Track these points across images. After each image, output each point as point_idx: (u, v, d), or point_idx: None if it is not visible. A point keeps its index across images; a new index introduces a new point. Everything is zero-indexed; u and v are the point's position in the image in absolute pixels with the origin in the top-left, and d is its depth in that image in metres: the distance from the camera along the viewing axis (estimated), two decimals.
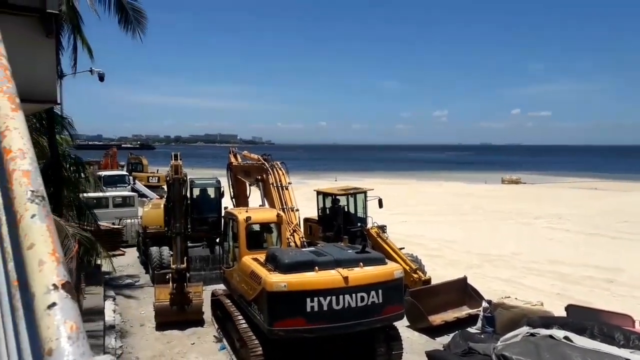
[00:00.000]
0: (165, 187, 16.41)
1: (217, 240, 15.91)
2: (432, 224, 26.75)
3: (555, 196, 43.05)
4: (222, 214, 12.58)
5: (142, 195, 29.16)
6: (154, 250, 15.05)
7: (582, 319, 9.03)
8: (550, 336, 8.16)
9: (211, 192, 16.97)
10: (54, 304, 0.70)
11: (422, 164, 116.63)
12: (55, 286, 0.72)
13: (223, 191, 16.53)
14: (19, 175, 0.96)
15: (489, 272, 16.65)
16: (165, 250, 14.70)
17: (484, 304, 11.17)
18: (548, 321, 9.07)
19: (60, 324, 0.69)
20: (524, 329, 8.89)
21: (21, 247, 0.80)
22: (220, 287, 11.70)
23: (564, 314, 9.90)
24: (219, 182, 16.95)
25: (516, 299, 11.06)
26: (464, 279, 12.72)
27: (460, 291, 12.47)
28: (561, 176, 73.28)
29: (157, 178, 37.37)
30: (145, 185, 34.19)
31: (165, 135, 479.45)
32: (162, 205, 16.15)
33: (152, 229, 16.36)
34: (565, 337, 8.01)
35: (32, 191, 0.92)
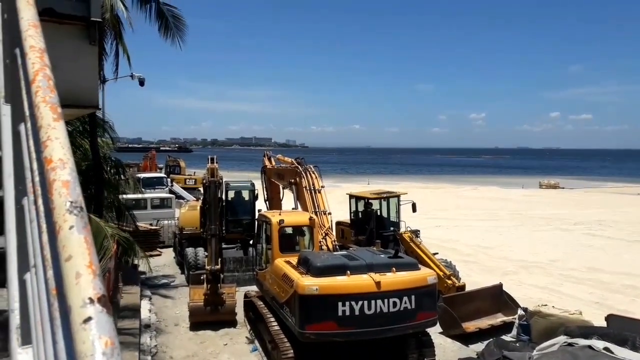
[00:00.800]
0: (201, 189, 16.69)
1: (251, 242, 16.11)
2: (468, 229, 26.29)
3: (595, 202, 41.66)
4: (256, 217, 12.71)
5: (179, 197, 29.51)
6: (189, 251, 15.29)
7: (623, 329, 8.71)
8: (589, 347, 7.92)
9: (245, 194, 17.18)
10: (89, 319, 0.72)
11: (458, 168, 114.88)
12: (91, 300, 0.75)
13: (257, 194, 16.69)
14: (58, 186, 1.00)
15: (525, 279, 16.24)
16: (201, 251, 14.91)
17: (520, 312, 10.94)
18: (587, 331, 8.80)
19: (95, 339, 0.71)
20: (561, 339, 8.65)
21: (60, 258, 0.83)
22: (253, 288, 11.82)
23: (603, 323, 9.57)
24: (253, 185, 17.15)
25: (553, 307, 10.76)
26: (499, 285, 12.45)
27: (495, 298, 12.21)
28: (602, 181, 70.89)
29: (194, 180, 37.86)
30: (182, 187, 34.71)
31: (202, 139, 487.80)
32: (198, 207, 16.46)
33: (188, 230, 16.61)
34: (605, 348, 7.75)
35: (71, 202, 0.95)
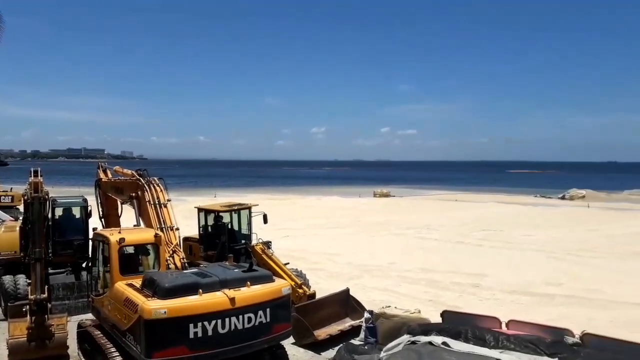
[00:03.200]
0: (21, 207, 14.60)
1: (84, 265, 14.50)
2: (314, 238, 27.14)
3: (422, 208, 46.26)
4: (90, 236, 11.45)
5: None
6: (7, 279, 13.27)
7: (456, 323, 9.58)
8: (430, 343, 8.51)
9: (76, 211, 15.45)
10: None
11: (302, 180, 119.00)
12: None
13: (90, 210, 15.14)
14: None
15: (368, 283, 17.17)
16: (21, 278, 13.06)
17: (366, 315, 11.37)
18: (427, 328, 9.48)
19: None
20: (405, 338, 9.19)
21: None
22: (88, 316, 10.57)
23: (439, 319, 10.44)
24: (85, 200, 15.49)
25: (396, 307, 11.42)
26: (346, 290, 12.87)
27: (343, 303, 12.60)
28: (426, 189, 79.55)
29: (10, 197, 33.41)
30: None
31: (20, 150, 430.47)
32: (18, 228, 14.49)
33: (4, 255, 14.52)
34: (444, 343, 8.40)
35: None
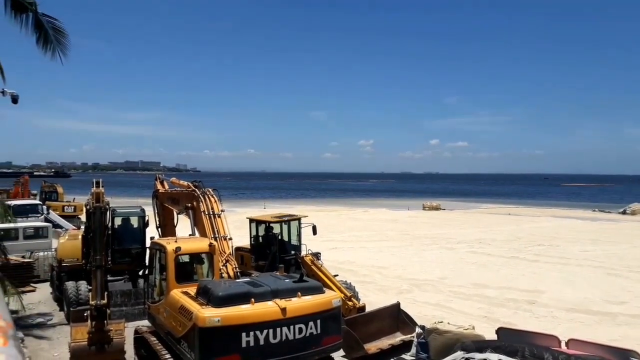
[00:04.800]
0: (83, 216, 15.34)
1: (140, 273, 15.01)
2: (362, 250, 26.97)
3: (474, 221, 45.07)
4: (147, 245, 11.88)
5: (57, 225, 27.36)
6: (70, 285, 13.92)
7: (512, 341, 9.22)
8: None
9: (134, 221, 16.06)
10: None
11: (349, 192, 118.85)
12: None
13: (148, 220, 15.68)
14: None
15: (418, 297, 16.86)
16: (83, 285, 13.66)
17: (418, 330, 11.15)
18: (481, 345, 9.18)
19: None
20: (459, 354, 8.94)
21: None
22: (145, 323, 10.93)
23: (494, 336, 10.09)
24: (143, 210, 16.08)
25: (448, 323, 11.14)
26: (397, 304, 12.68)
27: (394, 317, 12.40)
28: (477, 202, 77.51)
29: (73, 207, 35.24)
30: (60, 215, 32.06)
31: (82, 163, 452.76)
32: (80, 237, 15.17)
33: (68, 262, 15.26)
34: None
35: None
